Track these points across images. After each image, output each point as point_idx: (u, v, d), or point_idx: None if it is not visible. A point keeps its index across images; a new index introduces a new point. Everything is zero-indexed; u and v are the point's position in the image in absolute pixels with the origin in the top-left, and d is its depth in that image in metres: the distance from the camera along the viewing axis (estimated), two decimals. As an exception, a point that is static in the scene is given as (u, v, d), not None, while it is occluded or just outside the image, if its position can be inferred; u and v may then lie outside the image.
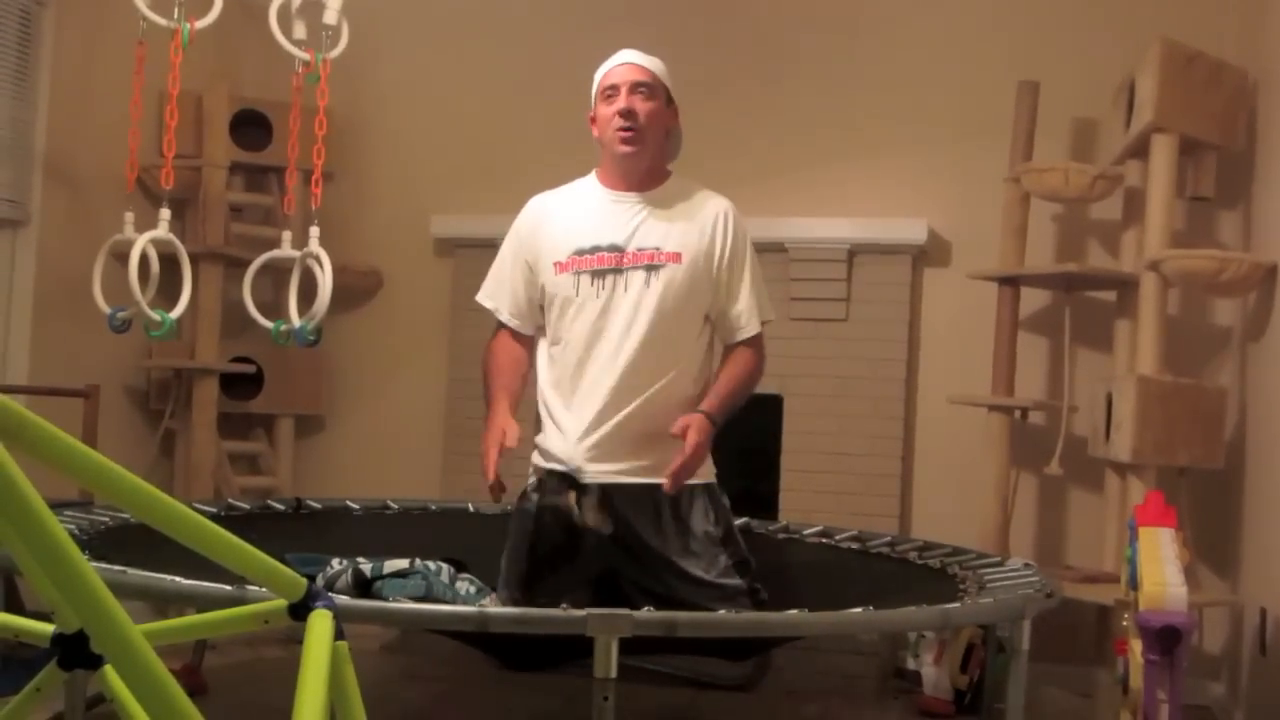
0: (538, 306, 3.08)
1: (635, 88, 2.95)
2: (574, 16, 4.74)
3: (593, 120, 3.05)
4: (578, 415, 2.94)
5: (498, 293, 3.11)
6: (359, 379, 4.93)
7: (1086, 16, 4.29)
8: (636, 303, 2.93)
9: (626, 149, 2.95)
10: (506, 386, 3.03)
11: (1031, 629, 2.64)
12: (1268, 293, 3.67)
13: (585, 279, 2.96)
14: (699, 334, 3.03)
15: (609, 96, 2.97)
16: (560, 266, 2.99)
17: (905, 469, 4.35)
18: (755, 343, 3.06)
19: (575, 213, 3.03)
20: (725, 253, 3.00)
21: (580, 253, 2.97)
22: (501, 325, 3.12)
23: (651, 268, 2.94)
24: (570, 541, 2.95)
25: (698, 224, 2.99)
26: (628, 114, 2.93)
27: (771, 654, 3.78)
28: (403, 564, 2.86)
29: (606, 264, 2.95)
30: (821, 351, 4.36)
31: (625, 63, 3.00)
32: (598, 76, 3.03)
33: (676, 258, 2.95)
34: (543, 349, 3.08)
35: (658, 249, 2.95)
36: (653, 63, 3.01)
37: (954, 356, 4.34)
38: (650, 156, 3.00)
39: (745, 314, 3.03)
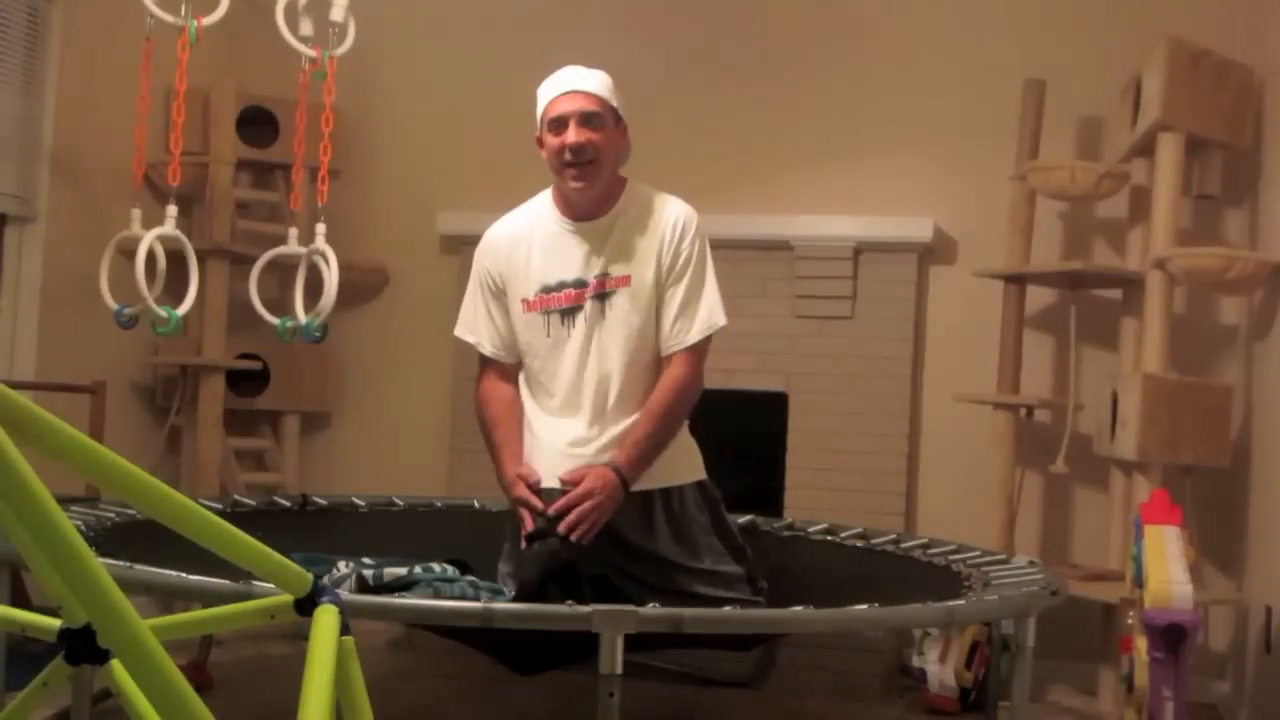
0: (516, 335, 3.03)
1: (585, 120, 2.84)
2: (579, 14, 4.74)
3: (539, 143, 2.94)
4: (560, 452, 2.91)
5: (476, 326, 3.05)
6: (365, 376, 4.94)
7: (1093, 14, 4.29)
8: (598, 333, 2.89)
9: (578, 185, 2.86)
10: (507, 439, 2.99)
11: (1036, 627, 2.64)
12: (1274, 291, 3.67)
13: (555, 318, 2.92)
14: (657, 349, 2.97)
15: (556, 127, 2.86)
16: (528, 305, 2.95)
17: (910, 466, 4.35)
18: (688, 356, 2.92)
19: (535, 246, 2.97)
20: (667, 265, 2.92)
21: (547, 290, 2.93)
22: (485, 360, 3.07)
23: (603, 295, 2.90)
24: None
25: (647, 241, 2.92)
26: (578, 150, 2.83)
27: (776, 651, 3.79)
28: (401, 571, 2.85)
29: (572, 301, 2.91)
30: (827, 349, 4.36)
31: (571, 91, 2.87)
32: (541, 99, 2.92)
33: (625, 280, 2.90)
34: (521, 382, 3.05)
35: (608, 275, 2.91)
36: (599, 85, 2.89)
37: (959, 354, 4.33)
38: (603, 183, 2.92)
39: (673, 328, 2.91)
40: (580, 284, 2.92)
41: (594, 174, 2.86)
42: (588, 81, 2.88)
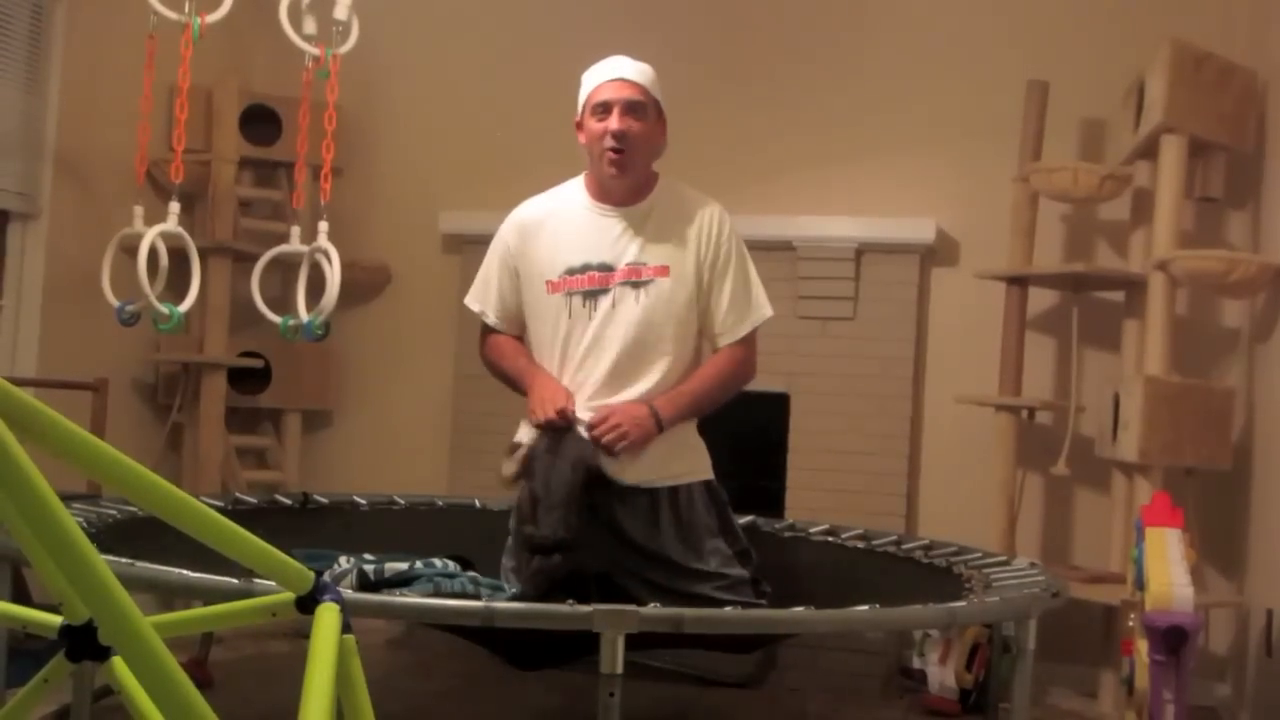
0: (523, 313, 3.08)
1: (629, 108, 2.91)
2: (583, 14, 4.74)
3: (579, 126, 3.02)
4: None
5: (485, 297, 3.12)
6: (366, 374, 4.94)
7: (1096, 17, 4.29)
8: (626, 320, 2.92)
9: (614, 171, 2.92)
10: (532, 360, 3.05)
11: (1037, 628, 2.64)
12: (1276, 294, 3.66)
13: (577, 300, 2.95)
14: (693, 341, 3.03)
15: (600, 113, 2.93)
16: (552, 285, 2.98)
17: (912, 468, 4.35)
18: (744, 345, 3.03)
19: (563, 227, 3.01)
20: (708, 260, 2.98)
21: (571, 271, 2.96)
22: (487, 328, 3.14)
23: (638, 284, 2.94)
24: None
25: (683, 235, 2.98)
26: (620, 137, 2.89)
27: (776, 652, 3.79)
28: (402, 566, 2.86)
29: (596, 284, 2.95)
30: (828, 350, 4.36)
31: (619, 78, 2.93)
32: (587, 84, 2.98)
33: (663, 271, 2.95)
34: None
35: (644, 264, 2.95)
36: (645, 76, 2.95)
37: (961, 356, 4.33)
38: (639, 174, 2.98)
39: (725, 320, 3.00)
40: (606, 268, 2.95)
41: (631, 163, 2.93)
42: (635, 72, 2.95)
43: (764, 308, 3.05)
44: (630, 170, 2.94)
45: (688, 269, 2.96)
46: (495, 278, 3.10)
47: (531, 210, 3.10)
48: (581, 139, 3.01)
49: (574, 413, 2.87)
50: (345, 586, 2.78)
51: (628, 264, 2.95)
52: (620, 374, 2.93)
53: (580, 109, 3.00)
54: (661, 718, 3.54)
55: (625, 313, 2.93)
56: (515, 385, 3.07)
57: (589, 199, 3.03)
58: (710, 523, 2.96)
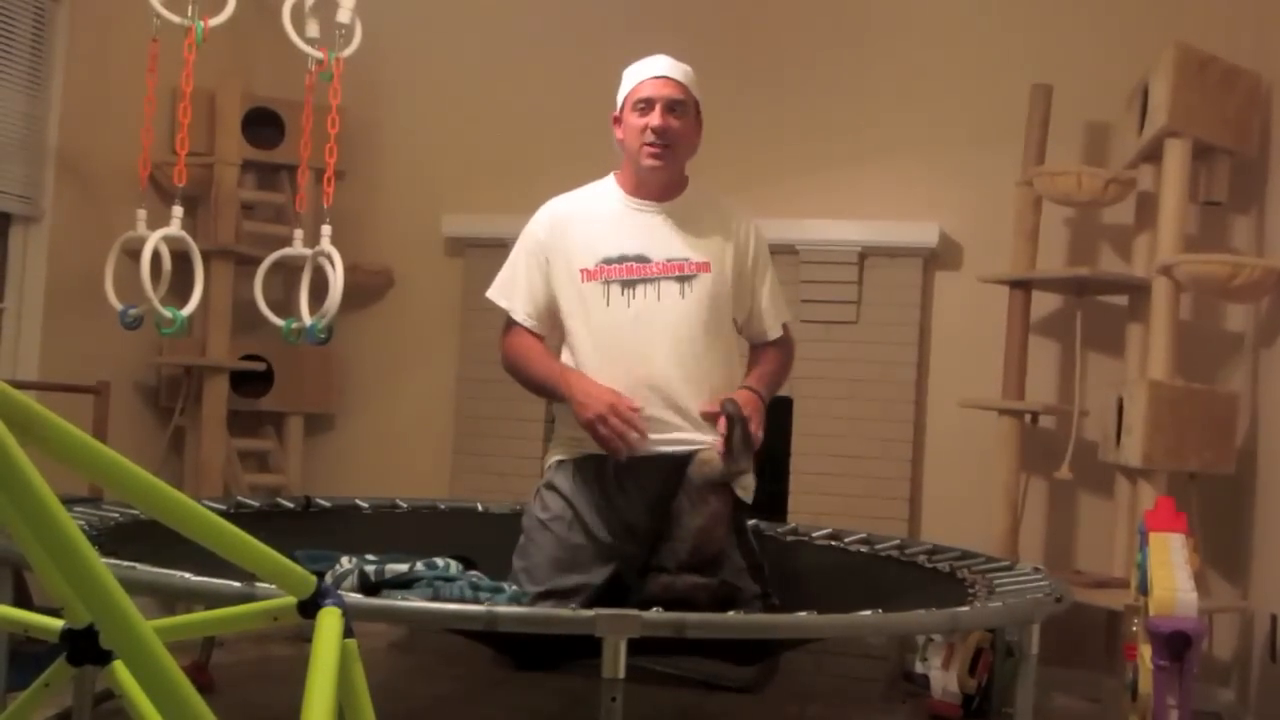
0: (552, 309, 3.06)
1: (671, 106, 2.96)
2: (588, 18, 4.75)
3: (616, 121, 3.06)
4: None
5: (512, 292, 3.08)
6: (369, 378, 4.94)
7: (1100, 20, 4.29)
8: (673, 313, 2.95)
9: (654, 163, 2.97)
10: (563, 364, 3.03)
11: (1040, 633, 2.63)
12: (1280, 298, 3.66)
13: (615, 288, 2.96)
14: (728, 340, 3.08)
15: (642, 108, 2.96)
16: (588, 274, 2.98)
17: (915, 472, 4.34)
18: (785, 339, 3.19)
19: (597, 219, 3.03)
20: (750, 260, 3.07)
21: (609, 261, 2.97)
22: (512, 324, 3.09)
23: (683, 278, 2.97)
24: (605, 511, 2.97)
25: (722, 233, 3.04)
26: (661, 133, 2.95)
27: (779, 656, 3.78)
28: (403, 568, 2.86)
29: (635, 274, 2.97)
30: (832, 354, 4.35)
31: (662, 76, 2.97)
32: (629, 80, 3.02)
33: (705, 267, 2.99)
34: (566, 358, 3.06)
35: (687, 259, 2.98)
36: (687, 76, 3.00)
37: (965, 360, 4.33)
38: (676, 170, 3.04)
39: (770, 317, 3.13)
40: (643, 259, 2.98)
41: (670, 158, 2.99)
42: (678, 72, 3.01)
43: (787, 309, 3.21)
44: (668, 164, 2.99)
45: (727, 268, 3.03)
46: (523, 271, 3.07)
47: (563, 204, 3.11)
48: (619, 133, 3.05)
49: (637, 416, 2.87)
50: (347, 587, 2.79)
51: (669, 258, 2.98)
52: (669, 366, 2.93)
53: (620, 104, 3.04)
54: (664, 722, 3.54)
55: (672, 305, 2.95)
56: (545, 390, 3.06)
57: (623, 194, 3.07)
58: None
